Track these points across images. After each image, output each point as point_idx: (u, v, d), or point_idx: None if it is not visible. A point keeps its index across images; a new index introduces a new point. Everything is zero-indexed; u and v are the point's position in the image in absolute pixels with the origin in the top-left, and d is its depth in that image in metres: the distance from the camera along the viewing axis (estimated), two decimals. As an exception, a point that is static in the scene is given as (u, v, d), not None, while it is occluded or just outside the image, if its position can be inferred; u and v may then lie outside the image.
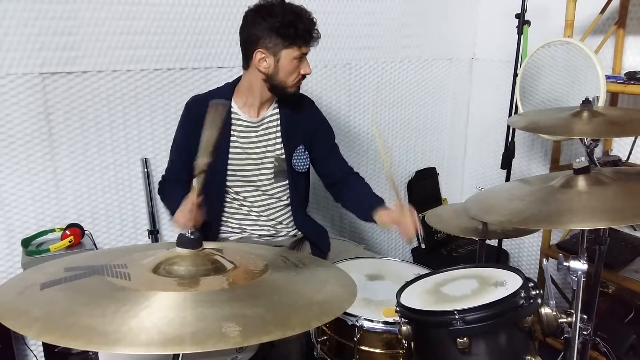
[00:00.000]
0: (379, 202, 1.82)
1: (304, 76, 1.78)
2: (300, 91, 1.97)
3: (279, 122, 1.86)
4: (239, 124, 1.83)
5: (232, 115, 1.82)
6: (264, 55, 1.69)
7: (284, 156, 1.87)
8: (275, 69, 1.71)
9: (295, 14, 1.68)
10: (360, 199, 1.88)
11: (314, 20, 1.73)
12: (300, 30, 1.68)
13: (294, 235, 1.98)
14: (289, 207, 1.94)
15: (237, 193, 1.87)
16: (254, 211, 1.89)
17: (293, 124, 1.88)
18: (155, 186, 2.20)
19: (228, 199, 1.89)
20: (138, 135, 2.16)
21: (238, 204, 1.89)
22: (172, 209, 1.79)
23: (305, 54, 1.74)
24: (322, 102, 2.55)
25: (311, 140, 1.91)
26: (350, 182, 1.94)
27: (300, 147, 1.89)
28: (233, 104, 1.83)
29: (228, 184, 1.85)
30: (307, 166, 1.93)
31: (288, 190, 1.91)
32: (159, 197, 2.05)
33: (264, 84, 1.76)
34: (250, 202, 1.88)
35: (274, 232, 1.93)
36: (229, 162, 1.82)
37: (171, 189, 1.92)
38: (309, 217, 2.03)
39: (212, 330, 0.81)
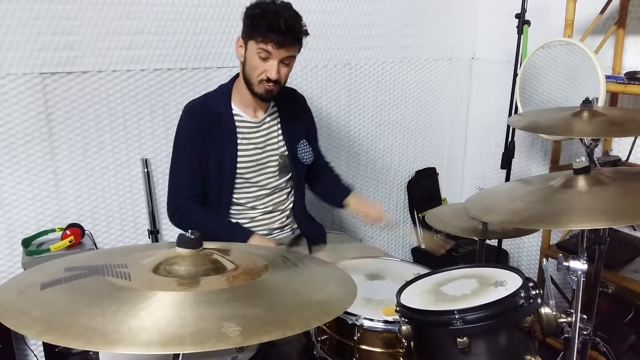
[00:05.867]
0: (348, 191, 1.98)
1: (270, 80, 1.67)
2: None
3: (278, 120, 1.88)
4: (243, 125, 1.82)
5: (235, 118, 1.80)
6: (240, 43, 1.72)
7: (287, 153, 1.89)
8: (245, 60, 1.72)
9: (267, 10, 1.62)
10: (333, 188, 2.03)
11: (291, 24, 1.62)
12: (259, 23, 1.61)
13: (292, 232, 1.99)
14: (292, 205, 1.95)
15: (242, 194, 1.86)
16: (258, 209, 1.89)
17: (292, 122, 1.90)
18: (155, 186, 2.20)
19: (234, 201, 1.86)
20: (138, 135, 2.16)
21: (243, 206, 1.88)
22: (219, 229, 1.76)
23: (271, 53, 1.63)
24: (322, 102, 2.55)
25: (307, 134, 1.96)
26: (324, 173, 2.07)
27: (303, 140, 1.93)
28: (233, 105, 1.81)
29: (236, 186, 1.83)
30: (312, 157, 1.96)
31: (291, 187, 1.93)
32: (180, 223, 1.79)
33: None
34: (254, 202, 1.88)
35: (278, 230, 1.94)
36: (238, 164, 1.79)
37: (200, 210, 1.78)
38: (307, 213, 2.04)
39: (212, 330, 0.81)
